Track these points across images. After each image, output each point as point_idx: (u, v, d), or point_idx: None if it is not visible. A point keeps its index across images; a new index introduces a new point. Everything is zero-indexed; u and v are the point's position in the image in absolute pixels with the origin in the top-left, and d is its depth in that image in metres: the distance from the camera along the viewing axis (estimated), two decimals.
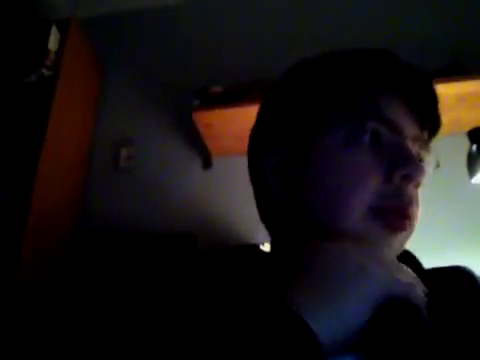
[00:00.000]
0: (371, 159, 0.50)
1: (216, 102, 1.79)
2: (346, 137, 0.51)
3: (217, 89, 1.83)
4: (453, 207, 1.70)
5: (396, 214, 0.50)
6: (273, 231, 0.59)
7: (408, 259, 0.60)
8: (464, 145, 1.58)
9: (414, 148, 0.52)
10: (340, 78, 0.54)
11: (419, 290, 0.42)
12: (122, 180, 2.09)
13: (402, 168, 0.49)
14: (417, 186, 0.51)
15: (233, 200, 1.89)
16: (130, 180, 2.07)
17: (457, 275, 0.58)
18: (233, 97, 1.78)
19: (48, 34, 2.00)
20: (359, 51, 0.56)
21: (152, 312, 0.52)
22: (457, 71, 1.63)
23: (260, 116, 0.61)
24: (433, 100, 0.55)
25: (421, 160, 0.54)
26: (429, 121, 0.55)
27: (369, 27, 2.07)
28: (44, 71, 1.99)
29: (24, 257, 1.68)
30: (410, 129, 0.53)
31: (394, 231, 0.49)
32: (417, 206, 0.52)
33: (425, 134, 0.55)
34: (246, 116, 1.77)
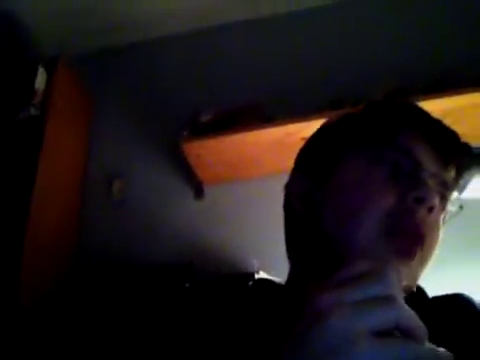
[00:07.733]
0: (387, 183, 0.53)
1: (205, 131, 1.79)
2: (367, 162, 0.55)
3: (206, 117, 1.84)
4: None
5: (407, 237, 0.50)
6: (293, 258, 0.62)
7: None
8: None
9: (432, 182, 0.54)
10: (364, 119, 0.59)
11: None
12: (116, 213, 2.08)
13: (415, 191, 0.51)
14: (430, 210, 0.51)
15: (227, 229, 1.88)
16: (123, 212, 2.06)
17: (456, 303, 0.59)
18: (222, 125, 1.79)
19: (35, 73, 2.02)
20: (384, 102, 0.62)
21: (142, 345, 0.52)
22: (440, 87, 1.66)
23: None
24: (452, 138, 0.57)
25: (441, 194, 0.55)
26: (452, 159, 0.57)
27: (368, 50, 2.10)
28: (32, 110, 1.99)
29: (21, 294, 1.67)
30: (430, 164, 0.55)
31: (404, 258, 0.49)
32: (433, 233, 0.53)
33: (449, 173, 0.56)
34: (236, 144, 1.80)
